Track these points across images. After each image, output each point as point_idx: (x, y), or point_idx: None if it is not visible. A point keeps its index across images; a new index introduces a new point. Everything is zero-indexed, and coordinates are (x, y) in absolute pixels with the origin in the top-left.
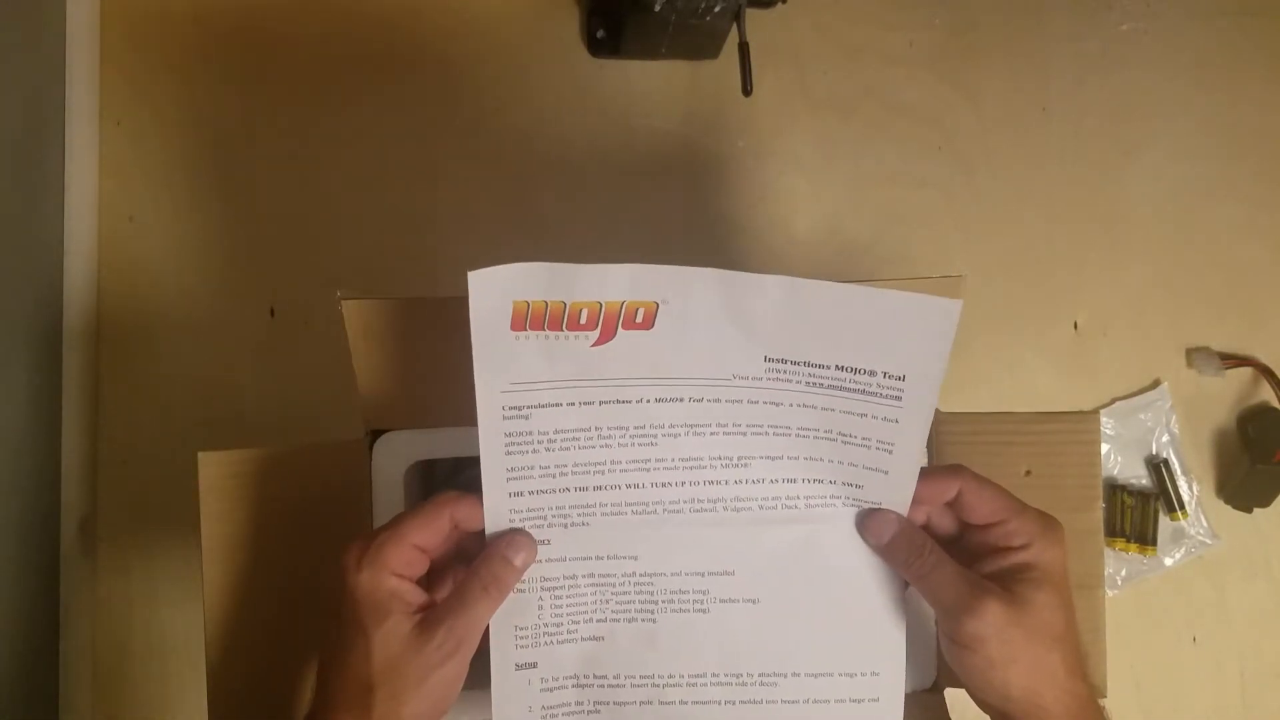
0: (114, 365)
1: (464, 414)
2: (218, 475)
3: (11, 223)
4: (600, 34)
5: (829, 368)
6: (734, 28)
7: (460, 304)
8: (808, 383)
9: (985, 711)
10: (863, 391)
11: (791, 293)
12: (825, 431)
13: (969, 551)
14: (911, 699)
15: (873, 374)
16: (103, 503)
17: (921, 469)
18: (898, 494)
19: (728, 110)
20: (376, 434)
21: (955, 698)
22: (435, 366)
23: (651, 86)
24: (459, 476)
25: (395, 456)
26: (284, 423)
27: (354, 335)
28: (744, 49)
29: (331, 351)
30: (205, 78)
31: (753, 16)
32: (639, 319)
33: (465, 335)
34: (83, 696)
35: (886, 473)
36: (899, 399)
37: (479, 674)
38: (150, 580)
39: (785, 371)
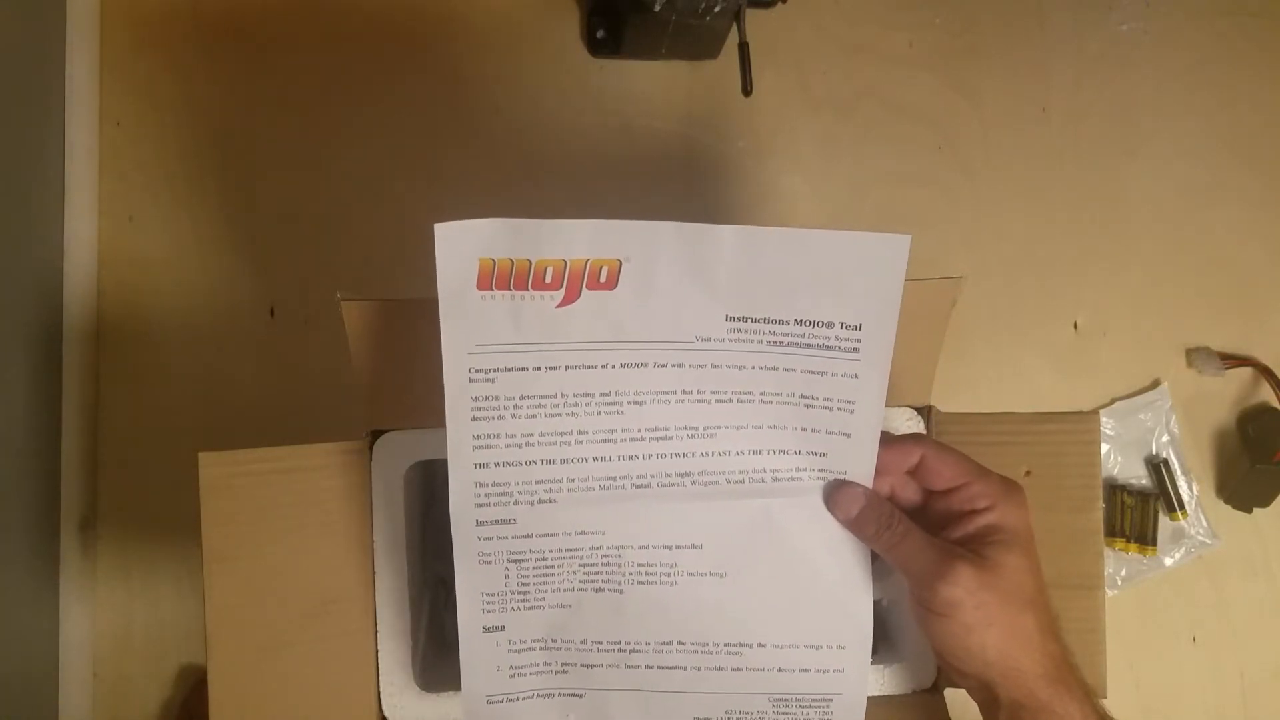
0: (114, 365)
1: None
2: (218, 475)
3: (11, 223)
4: (600, 34)
5: (788, 323)
6: (734, 28)
7: None
8: (769, 342)
9: (961, 682)
10: (822, 346)
11: (747, 241)
12: (788, 396)
13: (934, 520)
14: (912, 699)
15: (830, 326)
16: (103, 503)
17: (883, 438)
18: (861, 459)
19: (728, 110)
20: (376, 434)
21: (955, 697)
22: (435, 366)
23: (651, 86)
24: None
25: (395, 456)
26: (284, 423)
27: (354, 336)
28: (744, 49)
29: (331, 351)
30: (205, 78)
31: (753, 16)
32: (603, 278)
33: None
34: (83, 696)
35: (849, 435)
36: (857, 351)
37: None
38: (150, 580)
39: (746, 331)
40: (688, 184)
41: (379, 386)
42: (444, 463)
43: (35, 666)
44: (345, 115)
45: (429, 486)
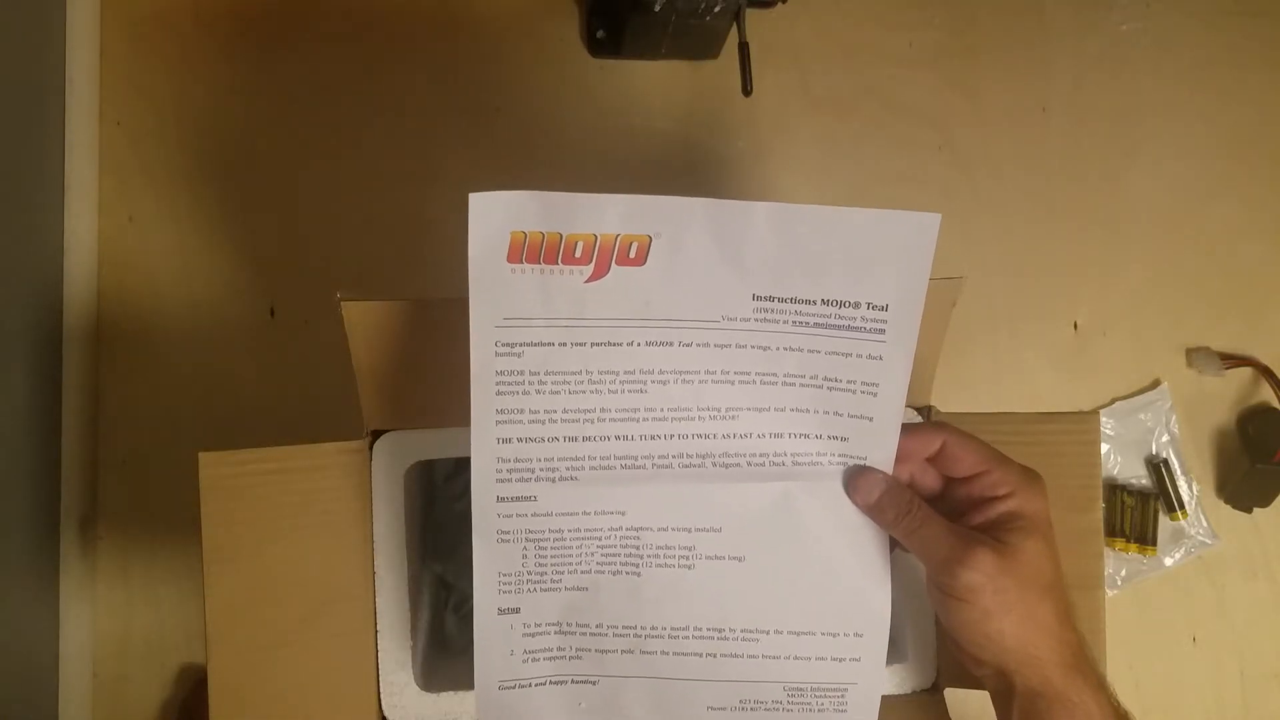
0: (114, 365)
1: (464, 414)
2: (218, 475)
3: (11, 223)
4: (600, 34)
5: (815, 303)
6: (734, 28)
7: (460, 305)
8: (795, 322)
9: (975, 670)
10: (848, 327)
11: (779, 218)
12: (811, 378)
13: (954, 507)
14: (912, 699)
15: (857, 306)
16: (103, 503)
17: (904, 425)
18: (883, 445)
19: (728, 110)
20: (376, 434)
21: (955, 697)
22: (435, 366)
23: (651, 86)
24: (459, 476)
25: (395, 456)
26: (284, 423)
27: (354, 336)
28: (744, 49)
29: (331, 351)
30: (205, 77)
31: (753, 16)
32: (632, 254)
33: (466, 336)
34: (83, 696)
35: (871, 419)
36: (883, 332)
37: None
38: (150, 580)
39: (773, 311)
40: (688, 184)
41: (379, 386)
42: (444, 462)
43: (35, 666)
44: (345, 115)
45: (429, 486)
